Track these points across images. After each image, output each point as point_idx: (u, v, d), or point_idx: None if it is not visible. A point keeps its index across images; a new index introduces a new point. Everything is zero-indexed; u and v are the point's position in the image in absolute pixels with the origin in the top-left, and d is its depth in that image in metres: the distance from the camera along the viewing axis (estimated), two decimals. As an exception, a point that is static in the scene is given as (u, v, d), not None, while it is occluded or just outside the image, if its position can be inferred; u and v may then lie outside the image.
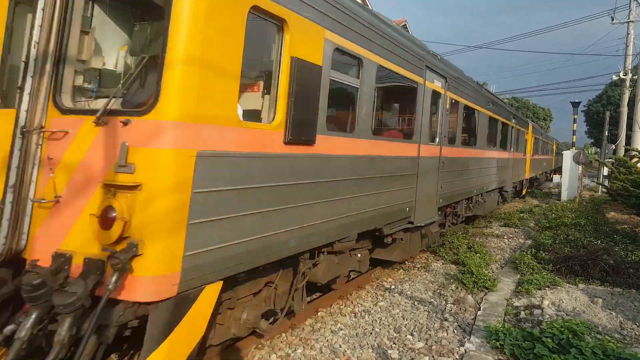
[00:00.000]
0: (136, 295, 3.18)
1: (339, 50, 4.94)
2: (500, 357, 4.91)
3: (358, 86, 5.49)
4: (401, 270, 8.48)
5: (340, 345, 5.23)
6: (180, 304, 3.39)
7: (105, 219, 3.14)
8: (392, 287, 7.45)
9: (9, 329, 3.15)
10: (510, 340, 5.08)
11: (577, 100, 28.52)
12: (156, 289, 3.21)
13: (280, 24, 4.09)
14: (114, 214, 3.12)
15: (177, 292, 3.31)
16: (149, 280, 3.18)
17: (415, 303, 6.71)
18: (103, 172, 3.27)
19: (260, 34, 4.10)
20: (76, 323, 3.15)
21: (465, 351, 5.09)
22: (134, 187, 3.14)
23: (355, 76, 5.48)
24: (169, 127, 3.18)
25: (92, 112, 3.40)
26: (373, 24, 5.71)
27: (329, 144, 4.87)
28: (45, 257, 3.34)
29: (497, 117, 13.49)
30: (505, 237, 12.39)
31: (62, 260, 3.27)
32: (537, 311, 6.36)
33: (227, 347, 4.97)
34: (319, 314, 6.15)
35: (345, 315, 6.17)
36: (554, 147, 40.64)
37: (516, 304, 6.79)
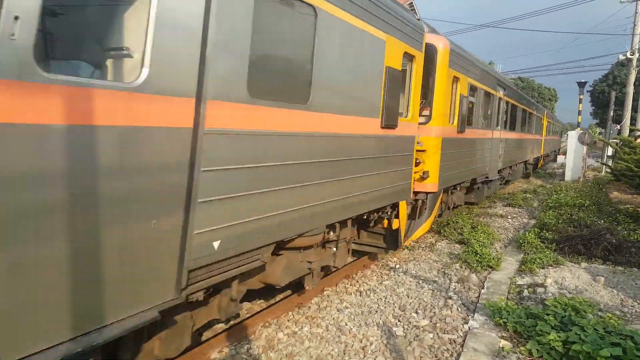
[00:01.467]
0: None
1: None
2: (504, 334, 5.00)
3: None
4: (406, 249, 8.56)
5: (346, 323, 5.33)
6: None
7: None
8: (397, 266, 7.54)
9: None
10: (514, 318, 5.17)
11: (583, 81, 28.29)
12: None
13: None
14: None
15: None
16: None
17: (420, 282, 6.80)
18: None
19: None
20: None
21: (469, 328, 5.18)
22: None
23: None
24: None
25: None
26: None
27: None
28: None
29: None
30: (509, 216, 12.45)
31: None
32: (540, 289, 6.44)
33: (234, 325, 5.08)
34: (324, 292, 6.25)
35: (351, 294, 6.26)
36: (544, 122, 27.20)
37: (519, 282, 6.87)
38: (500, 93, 13.31)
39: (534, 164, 24.45)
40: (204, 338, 4.91)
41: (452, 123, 8.73)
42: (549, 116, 31.75)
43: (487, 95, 11.54)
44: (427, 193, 8.01)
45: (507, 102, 14.36)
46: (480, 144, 11.10)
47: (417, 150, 7.23)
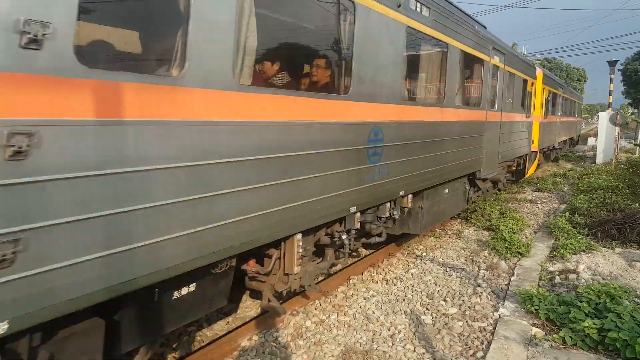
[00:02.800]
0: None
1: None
2: (535, 322, 4.90)
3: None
4: (432, 237, 8.46)
5: (373, 312, 5.31)
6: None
7: None
8: (424, 254, 7.46)
9: None
10: (545, 305, 5.05)
11: (614, 59, 27.24)
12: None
13: None
14: None
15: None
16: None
17: (448, 270, 6.72)
18: None
19: None
20: None
21: (499, 316, 5.09)
22: None
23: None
24: None
25: None
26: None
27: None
28: None
29: None
30: (539, 202, 12.17)
31: None
32: (572, 276, 6.28)
33: (263, 313, 5.11)
34: (350, 281, 6.24)
35: (377, 282, 6.23)
36: (537, 91, 14.27)
37: (551, 268, 6.71)
38: None
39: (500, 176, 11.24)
40: (233, 326, 4.97)
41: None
42: (551, 83, 17.67)
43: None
44: None
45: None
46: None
47: None
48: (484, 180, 9.86)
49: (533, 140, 14.13)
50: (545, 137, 16.48)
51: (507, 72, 10.33)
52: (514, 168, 12.83)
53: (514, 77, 11.06)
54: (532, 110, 13.55)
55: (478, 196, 10.38)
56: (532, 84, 13.58)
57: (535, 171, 16.16)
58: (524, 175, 14.10)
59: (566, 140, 24.85)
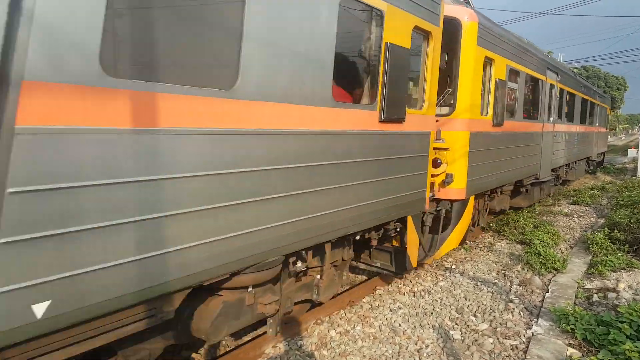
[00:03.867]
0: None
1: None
2: (572, 342, 4.67)
3: None
4: (462, 250, 8.24)
5: (399, 324, 5.18)
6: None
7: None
8: (453, 267, 7.26)
9: None
10: (582, 325, 4.82)
11: (658, 68, 26.11)
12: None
13: None
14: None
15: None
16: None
17: (478, 284, 6.51)
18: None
19: None
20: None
21: (532, 334, 4.88)
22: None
23: None
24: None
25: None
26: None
27: None
28: None
29: None
30: (575, 215, 11.72)
31: None
32: (611, 294, 5.99)
33: (287, 322, 5.06)
34: (377, 292, 6.12)
35: (404, 294, 6.09)
36: (461, 53, 6.34)
37: (588, 286, 6.42)
38: None
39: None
40: (259, 332, 4.93)
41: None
42: (516, 53, 8.19)
43: None
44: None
45: None
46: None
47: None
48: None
49: (451, 177, 6.38)
50: (496, 165, 7.77)
51: None
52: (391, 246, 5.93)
53: None
54: (425, 102, 5.45)
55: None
56: (428, 35, 5.36)
57: (462, 243, 7.72)
58: (406, 268, 5.82)
59: (575, 162, 15.76)
